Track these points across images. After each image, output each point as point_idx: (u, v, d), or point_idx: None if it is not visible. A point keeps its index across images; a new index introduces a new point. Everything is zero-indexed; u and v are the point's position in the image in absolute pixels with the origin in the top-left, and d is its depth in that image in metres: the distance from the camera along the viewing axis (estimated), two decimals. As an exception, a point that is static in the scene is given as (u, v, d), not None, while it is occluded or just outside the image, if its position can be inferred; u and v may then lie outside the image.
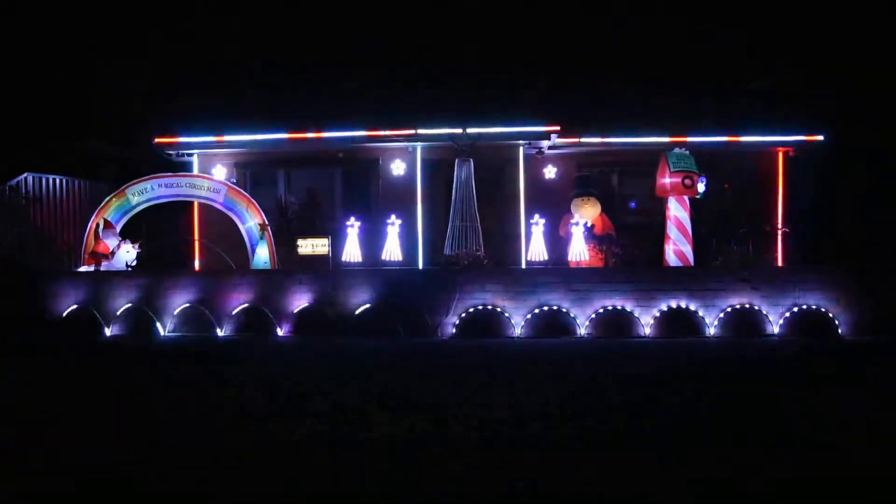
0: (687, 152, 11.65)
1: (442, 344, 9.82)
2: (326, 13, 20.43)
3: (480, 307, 10.38)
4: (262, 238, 11.89)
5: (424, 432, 4.99)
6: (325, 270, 11.34)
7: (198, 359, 8.57)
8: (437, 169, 13.25)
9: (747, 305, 10.22)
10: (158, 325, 10.68)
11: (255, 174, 13.97)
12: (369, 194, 13.82)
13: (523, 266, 12.60)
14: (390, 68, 15.76)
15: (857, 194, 14.36)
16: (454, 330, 10.32)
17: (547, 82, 14.90)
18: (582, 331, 10.21)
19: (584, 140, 13.10)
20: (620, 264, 11.37)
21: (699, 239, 11.62)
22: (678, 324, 10.22)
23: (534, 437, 4.87)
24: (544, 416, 5.43)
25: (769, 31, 19.17)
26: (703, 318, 10.19)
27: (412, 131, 12.68)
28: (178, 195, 12.44)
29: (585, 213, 12.39)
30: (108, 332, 10.75)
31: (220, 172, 13.51)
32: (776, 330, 10.16)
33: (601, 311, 10.27)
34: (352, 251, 11.84)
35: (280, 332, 10.50)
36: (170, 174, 12.60)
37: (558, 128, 12.42)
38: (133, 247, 11.71)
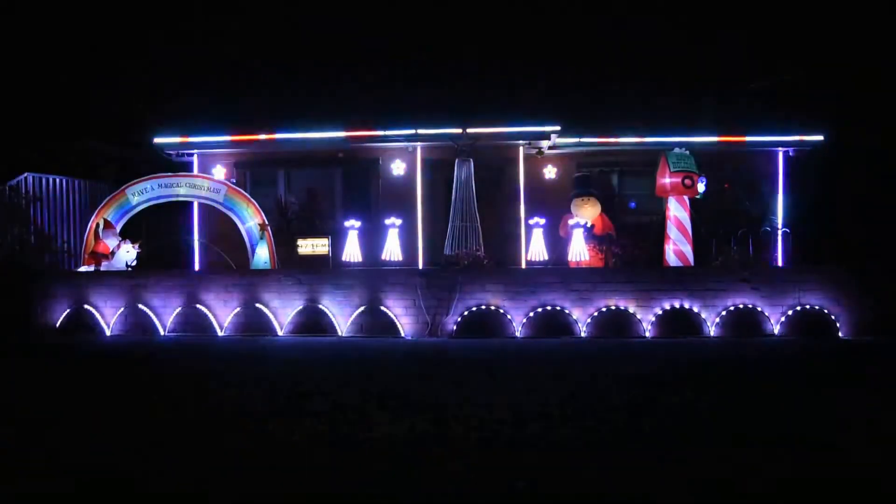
0: (687, 152, 11.65)
1: (442, 344, 9.83)
2: (326, 13, 20.43)
3: (480, 307, 10.38)
4: (262, 238, 11.89)
5: (424, 432, 4.99)
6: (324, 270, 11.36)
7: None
8: (437, 169, 13.25)
9: (747, 305, 10.22)
10: (158, 324, 10.69)
11: (255, 174, 13.97)
12: (369, 194, 13.82)
13: (523, 266, 12.60)
14: (390, 68, 15.76)
15: (857, 194, 14.36)
16: (454, 330, 10.33)
17: (547, 82, 14.90)
18: (582, 331, 10.21)
19: (584, 140, 13.11)
20: (620, 264, 11.37)
21: (699, 239, 11.62)
22: (678, 324, 10.23)
23: (534, 437, 4.87)
24: (544, 416, 5.43)
25: (769, 31, 19.17)
26: (703, 318, 10.20)
27: (412, 131, 12.68)
28: (178, 195, 12.44)
29: (585, 213, 12.38)
30: (107, 332, 10.75)
31: (220, 172, 13.52)
32: (776, 330, 10.16)
33: (601, 311, 10.27)
34: (352, 251, 11.84)
35: (280, 332, 10.51)
36: (170, 174, 12.60)
37: (558, 128, 12.42)
38: (133, 247, 11.72)
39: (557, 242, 12.41)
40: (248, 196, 12.39)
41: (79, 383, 7.17)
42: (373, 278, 10.65)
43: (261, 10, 21.42)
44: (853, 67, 17.07)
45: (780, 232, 12.80)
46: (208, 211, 13.15)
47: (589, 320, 10.24)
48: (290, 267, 11.50)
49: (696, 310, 10.22)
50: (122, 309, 10.82)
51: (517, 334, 10.26)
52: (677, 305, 10.26)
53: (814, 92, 15.48)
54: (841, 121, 13.90)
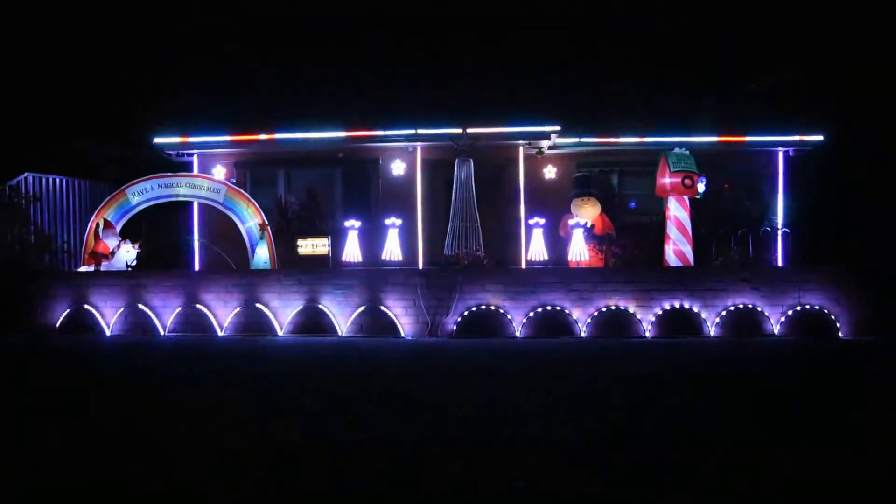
0: (687, 152, 11.65)
1: (442, 344, 9.82)
2: (326, 13, 20.41)
3: (480, 307, 10.38)
4: (261, 238, 11.89)
5: (424, 432, 4.98)
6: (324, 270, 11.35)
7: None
8: (437, 169, 13.26)
9: (747, 305, 10.22)
10: (158, 324, 10.69)
11: (255, 174, 13.97)
12: (369, 194, 13.82)
13: (523, 266, 12.60)
14: (390, 68, 15.75)
15: (856, 194, 14.36)
16: (454, 329, 10.33)
17: (547, 82, 14.88)
18: (582, 331, 10.21)
19: (583, 140, 13.11)
20: (620, 264, 11.37)
21: (699, 239, 11.62)
22: (678, 324, 10.23)
23: (534, 437, 4.87)
24: (544, 416, 5.42)
25: (769, 31, 19.15)
26: (703, 318, 10.19)
27: (412, 131, 12.68)
28: (178, 195, 12.44)
29: (585, 213, 12.38)
30: (107, 332, 10.75)
31: (220, 172, 13.52)
32: (776, 330, 10.16)
33: (601, 311, 10.26)
34: (352, 251, 11.84)
35: (280, 332, 10.51)
36: (170, 174, 12.60)
37: (558, 128, 12.43)
38: (133, 247, 11.72)
39: (557, 242, 12.41)
40: (248, 196, 12.39)
41: (78, 383, 7.16)
42: (373, 278, 10.65)
43: (261, 10, 21.40)
44: (853, 67, 17.06)
45: (780, 232, 12.81)
46: (208, 211, 13.15)
47: (589, 320, 10.24)
48: (290, 267, 11.50)
49: (696, 310, 10.22)
50: (122, 309, 10.82)
51: (517, 334, 10.26)
52: (677, 305, 10.26)
53: (814, 92, 15.47)
54: (841, 121, 13.90)
